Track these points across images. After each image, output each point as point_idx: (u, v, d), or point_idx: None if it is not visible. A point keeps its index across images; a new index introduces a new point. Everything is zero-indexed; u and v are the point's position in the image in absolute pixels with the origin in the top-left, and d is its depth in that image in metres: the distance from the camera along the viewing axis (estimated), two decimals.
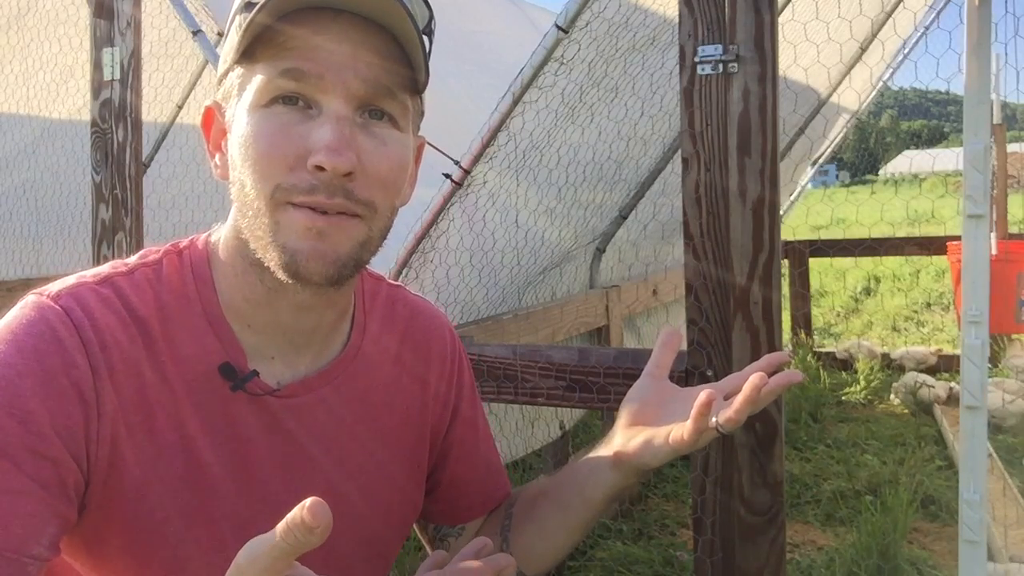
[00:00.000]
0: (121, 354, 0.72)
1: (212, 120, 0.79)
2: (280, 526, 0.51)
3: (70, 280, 0.75)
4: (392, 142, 0.74)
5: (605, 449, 0.85)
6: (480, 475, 0.97)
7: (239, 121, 0.72)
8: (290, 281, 0.71)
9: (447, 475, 0.95)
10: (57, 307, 0.71)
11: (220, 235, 0.80)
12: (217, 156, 0.78)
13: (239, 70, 0.73)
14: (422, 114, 0.81)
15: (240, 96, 0.73)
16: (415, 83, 0.74)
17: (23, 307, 0.72)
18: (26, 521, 0.65)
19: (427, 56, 0.76)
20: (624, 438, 0.82)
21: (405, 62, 0.72)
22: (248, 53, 0.71)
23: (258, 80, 0.71)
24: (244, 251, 0.75)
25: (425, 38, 0.76)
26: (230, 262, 0.78)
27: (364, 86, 0.71)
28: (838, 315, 7.23)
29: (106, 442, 0.70)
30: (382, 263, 1.73)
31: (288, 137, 0.69)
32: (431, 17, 0.78)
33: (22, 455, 0.65)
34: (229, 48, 0.74)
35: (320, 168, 0.68)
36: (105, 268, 0.78)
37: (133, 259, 0.80)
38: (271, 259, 0.71)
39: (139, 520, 0.72)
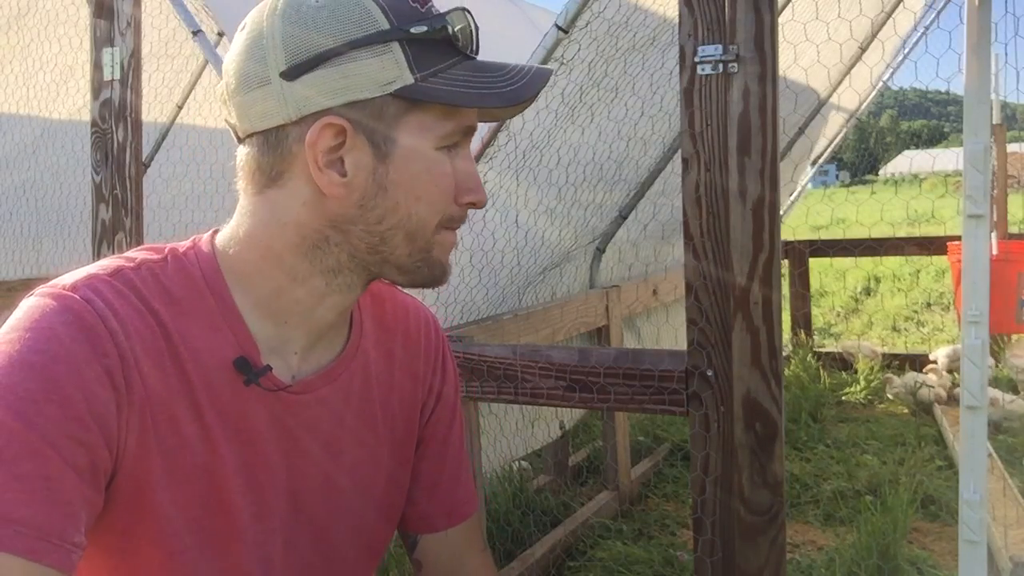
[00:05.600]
0: (143, 344, 0.72)
1: (336, 135, 0.74)
2: None
3: (80, 273, 0.75)
4: None
5: None
6: (444, 480, 0.97)
7: (416, 156, 0.76)
8: (425, 287, 0.83)
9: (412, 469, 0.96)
10: (77, 297, 0.71)
11: (234, 237, 0.80)
12: (333, 174, 0.74)
13: (402, 103, 0.74)
14: None
15: (406, 129, 0.75)
16: None
17: (39, 299, 0.71)
18: (66, 508, 0.65)
19: None
20: None
21: None
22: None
23: (438, 125, 0.76)
24: (319, 258, 0.78)
25: None
26: (274, 263, 0.78)
27: None
28: (838, 315, 7.23)
29: (134, 431, 0.71)
30: None
31: (452, 177, 0.79)
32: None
33: (62, 441, 0.66)
34: (391, 78, 0.73)
35: (474, 205, 0.81)
36: (111, 262, 0.77)
37: (138, 256, 0.79)
38: (421, 271, 0.81)
39: (164, 510, 0.73)
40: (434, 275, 0.82)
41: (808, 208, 6.38)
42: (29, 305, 0.71)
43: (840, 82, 4.04)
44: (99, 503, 0.70)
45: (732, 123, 1.26)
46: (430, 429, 0.97)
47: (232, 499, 0.77)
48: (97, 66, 1.96)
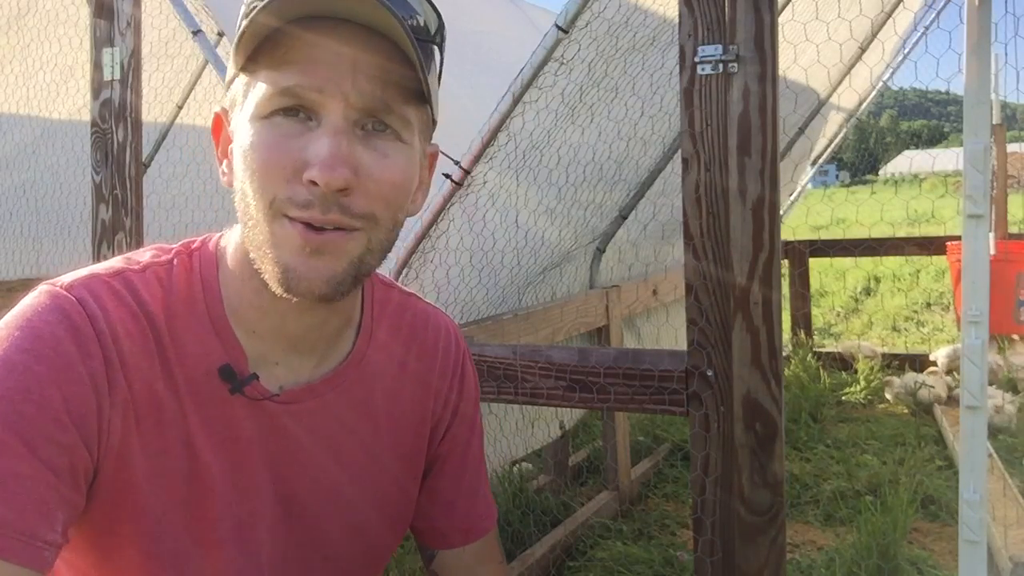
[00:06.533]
0: (132, 347, 0.72)
1: (220, 127, 0.79)
2: None
3: (82, 272, 0.75)
4: (394, 154, 0.72)
5: None
6: (462, 497, 0.95)
7: (241, 131, 0.72)
8: (285, 295, 0.71)
9: (427, 485, 0.94)
10: (71, 297, 0.71)
11: (230, 239, 0.80)
12: (224, 163, 0.78)
13: (243, 78, 0.72)
14: (434, 123, 0.80)
15: (243, 105, 0.72)
16: (419, 94, 0.73)
17: (37, 296, 0.72)
18: (40, 507, 0.65)
19: (434, 65, 0.75)
20: None
21: (409, 73, 0.71)
22: (250, 60, 0.70)
23: (259, 91, 0.70)
24: (249, 258, 0.75)
25: (434, 47, 0.75)
26: (238, 268, 0.78)
27: (363, 99, 0.69)
28: (838, 315, 7.23)
29: (116, 432, 0.71)
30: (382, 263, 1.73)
31: (286, 150, 0.68)
32: (440, 25, 0.77)
33: (38, 441, 0.66)
34: (232, 56, 0.73)
35: (314, 183, 0.67)
36: (117, 263, 0.78)
37: (146, 257, 0.79)
38: (267, 271, 0.71)
39: (146, 512, 0.73)
40: (280, 277, 0.70)
41: (808, 208, 6.38)
42: (25, 302, 0.72)
43: (840, 82, 4.03)
44: (80, 503, 0.70)
45: (732, 123, 1.26)
46: (446, 446, 0.94)
47: (216, 505, 0.76)
48: (97, 66, 1.96)
